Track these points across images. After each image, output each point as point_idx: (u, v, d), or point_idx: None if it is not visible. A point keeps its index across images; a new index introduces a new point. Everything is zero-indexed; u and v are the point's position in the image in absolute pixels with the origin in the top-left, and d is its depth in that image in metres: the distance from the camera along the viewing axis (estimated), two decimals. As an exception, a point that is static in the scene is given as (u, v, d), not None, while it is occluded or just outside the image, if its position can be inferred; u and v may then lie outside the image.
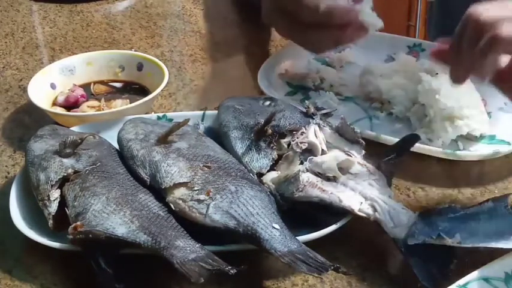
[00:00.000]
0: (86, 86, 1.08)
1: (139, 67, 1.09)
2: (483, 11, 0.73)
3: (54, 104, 1.04)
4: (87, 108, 1.02)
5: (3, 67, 1.20)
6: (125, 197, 0.78)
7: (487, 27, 0.72)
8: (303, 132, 0.85)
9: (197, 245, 0.73)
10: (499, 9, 0.74)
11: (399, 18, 2.56)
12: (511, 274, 0.71)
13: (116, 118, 0.95)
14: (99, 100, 1.04)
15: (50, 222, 0.78)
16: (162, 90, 1.02)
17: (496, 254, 0.76)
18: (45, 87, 1.06)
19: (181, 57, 1.22)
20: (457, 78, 0.78)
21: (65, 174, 0.81)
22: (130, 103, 1.01)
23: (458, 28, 0.77)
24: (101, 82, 1.10)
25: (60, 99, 1.04)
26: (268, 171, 0.83)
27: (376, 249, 0.80)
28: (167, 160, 0.81)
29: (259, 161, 0.84)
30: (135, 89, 1.08)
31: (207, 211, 0.76)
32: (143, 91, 1.06)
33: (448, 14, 1.27)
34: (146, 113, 0.99)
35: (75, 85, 1.07)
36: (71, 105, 1.04)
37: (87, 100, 1.05)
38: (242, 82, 1.14)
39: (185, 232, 0.75)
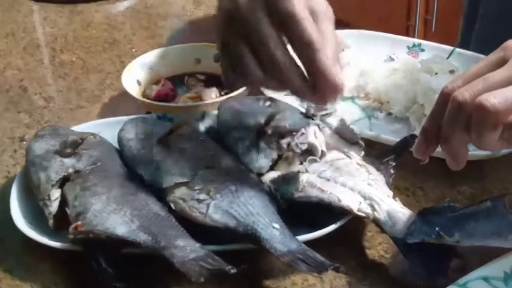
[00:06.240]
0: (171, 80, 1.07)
1: (217, 58, 1.07)
2: (460, 92, 0.68)
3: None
4: (188, 99, 1.02)
5: (4, 67, 1.21)
6: (125, 196, 0.78)
7: (469, 106, 0.67)
8: (303, 133, 0.86)
9: (197, 245, 0.74)
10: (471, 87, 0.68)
11: (399, 18, 2.56)
12: (510, 273, 0.72)
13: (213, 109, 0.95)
14: (196, 92, 1.04)
15: (51, 221, 0.79)
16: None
17: (495, 253, 0.77)
18: (133, 84, 1.05)
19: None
20: (458, 163, 0.73)
21: (66, 173, 0.81)
22: (221, 94, 1.01)
23: (437, 114, 0.72)
24: (186, 75, 1.08)
25: (150, 94, 1.03)
26: (268, 171, 0.84)
27: (376, 248, 0.80)
28: (167, 160, 0.82)
29: (259, 161, 0.84)
30: (217, 80, 1.02)
31: (207, 211, 0.76)
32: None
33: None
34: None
35: (165, 79, 1.06)
36: (161, 99, 1.03)
37: (175, 94, 1.04)
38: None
39: (185, 232, 0.75)
